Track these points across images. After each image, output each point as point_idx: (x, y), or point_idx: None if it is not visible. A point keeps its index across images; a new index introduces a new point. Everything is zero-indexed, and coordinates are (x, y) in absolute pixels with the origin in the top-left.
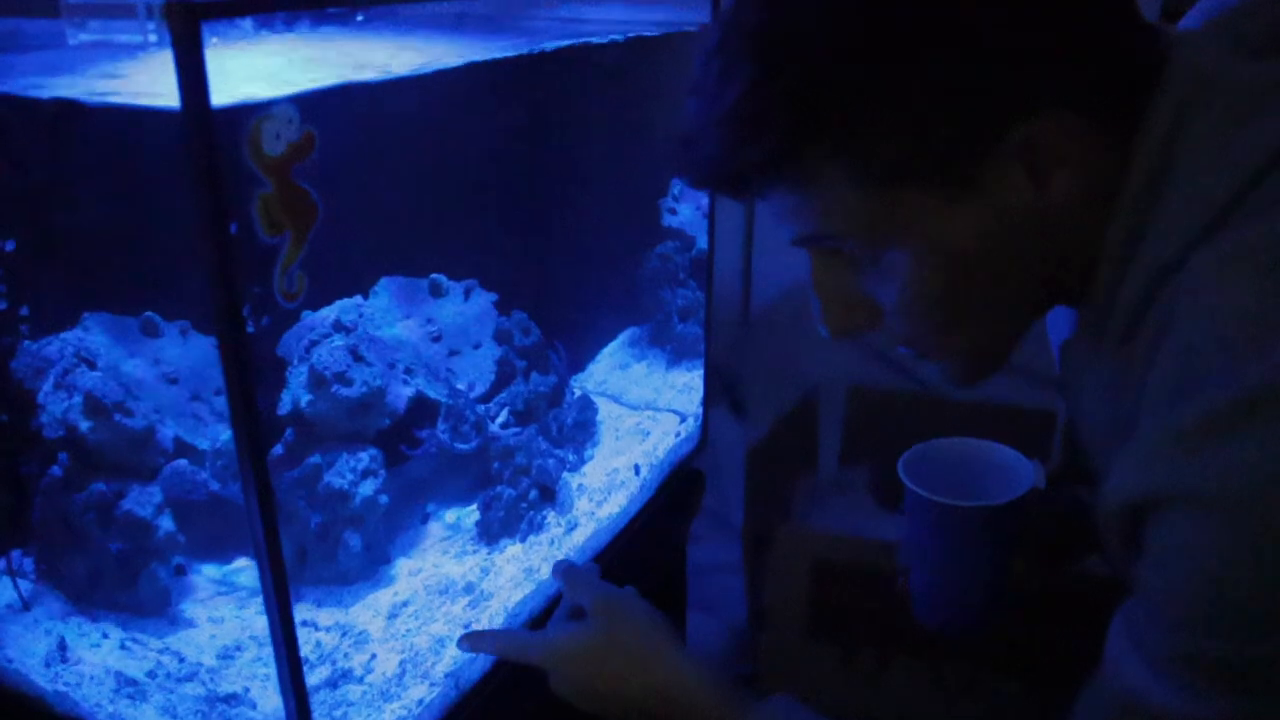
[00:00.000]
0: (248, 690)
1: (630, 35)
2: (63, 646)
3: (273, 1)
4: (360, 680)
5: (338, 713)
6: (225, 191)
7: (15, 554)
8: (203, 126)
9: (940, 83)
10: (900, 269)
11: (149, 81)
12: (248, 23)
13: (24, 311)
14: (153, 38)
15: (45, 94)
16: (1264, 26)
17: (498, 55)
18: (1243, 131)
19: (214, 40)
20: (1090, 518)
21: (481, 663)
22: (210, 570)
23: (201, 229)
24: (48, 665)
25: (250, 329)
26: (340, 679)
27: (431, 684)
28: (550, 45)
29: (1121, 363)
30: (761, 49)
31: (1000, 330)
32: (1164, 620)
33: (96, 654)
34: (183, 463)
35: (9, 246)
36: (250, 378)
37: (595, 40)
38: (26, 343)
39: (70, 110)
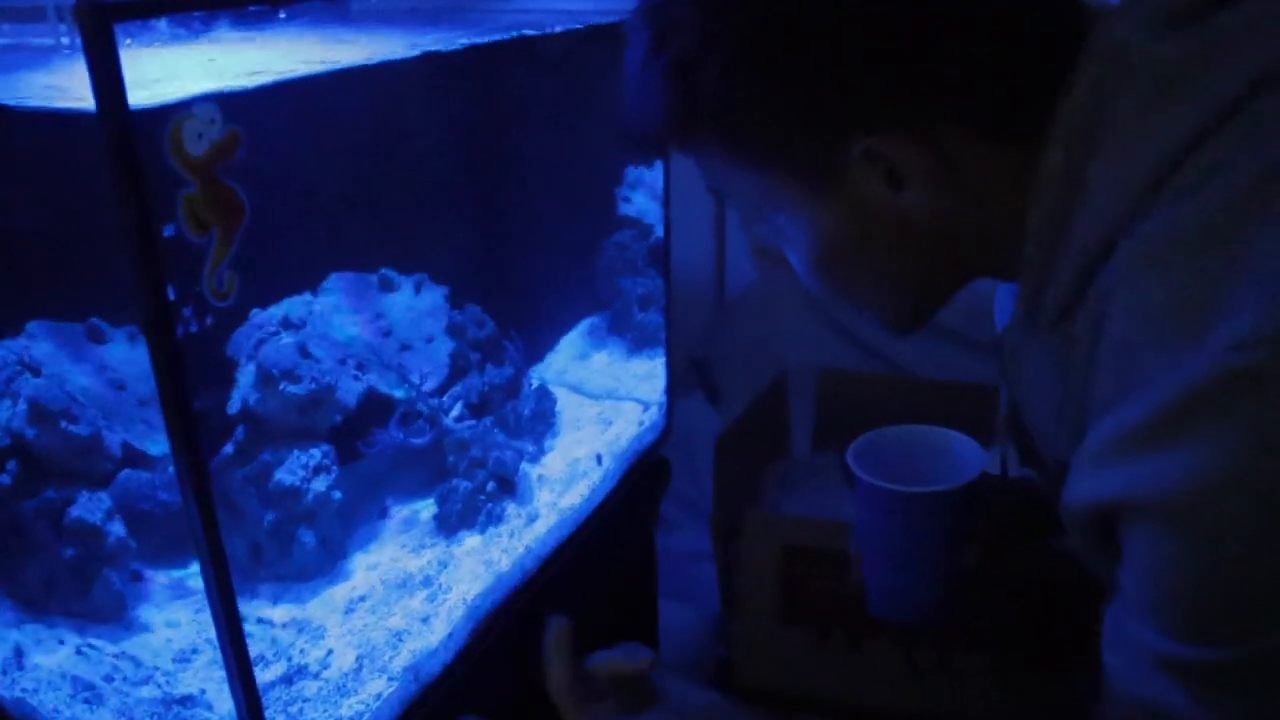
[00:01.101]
0: (204, 692)
1: (579, 25)
2: (19, 653)
3: (186, 1)
4: (316, 676)
5: (293, 709)
6: (146, 192)
7: None
8: (120, 128)
9: (793, 92)
10: (787, 235)
11: (68, 83)
12: (163, 24)
13: None
14: (65, 40)
15: None
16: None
17: (444, 47)
18: (1162, 110)
19: (128, 42)
20: (1044, 499)
21: (441, 655)
22: (166, 575)
23: (125, 231)
24: (4, 672)
25: (193, 329)
26: (296, 675)
27: (390, 678)
28: (498, 36)
29: (1060, 342)
30: (657, 27)
31: (901, 301)
32: (1147, 628)
33: (53, 659)
34: (132, 470)
35: None
36: (181, 379)
37: (545, 30)
38: None
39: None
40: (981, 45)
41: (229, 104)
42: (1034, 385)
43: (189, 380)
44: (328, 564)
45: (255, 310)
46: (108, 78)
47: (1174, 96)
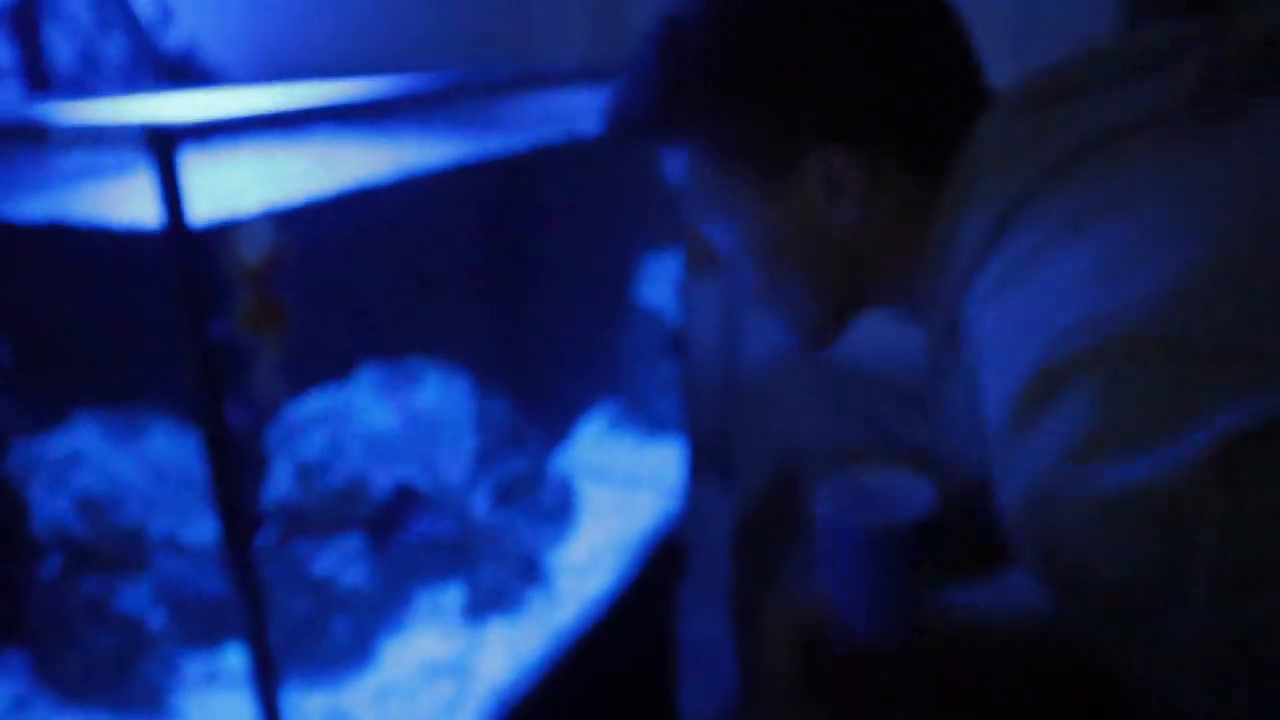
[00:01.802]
0: None
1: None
2: None
3: (244, 125)
4: None
5: None
6: (206, 302)
7: (9, 653)
8: (183, 245)
9: (768, 97)
10: (729, 235)
11: (133, 201)
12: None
13: (19, 413)
14: (134, 162)
15: (37, 216)
16: (1050, 78)
17: (473, 159)
18: (1005, 171)
19: (193, 151)
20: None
21: None
22: (200, 660)
23: (185, 337)
24: None
25: (234, 426)
26: None
27: None
28: (524, 145)
29: (965, 371)
30: (667, 30)
31: (816, 311)
32: None
33: None
34: (172, 557)
35: (6, 353)
36: (235, 476)
37: (566, 139)
38: (20, 443)
39: (60, 231)
40: (930, 89)
41: (279, 219)
42: (949, 406)
43: (240, 477)
44: (359, 652)
45: (289, 404)
46: (173, 198)
47: (1017, 161)
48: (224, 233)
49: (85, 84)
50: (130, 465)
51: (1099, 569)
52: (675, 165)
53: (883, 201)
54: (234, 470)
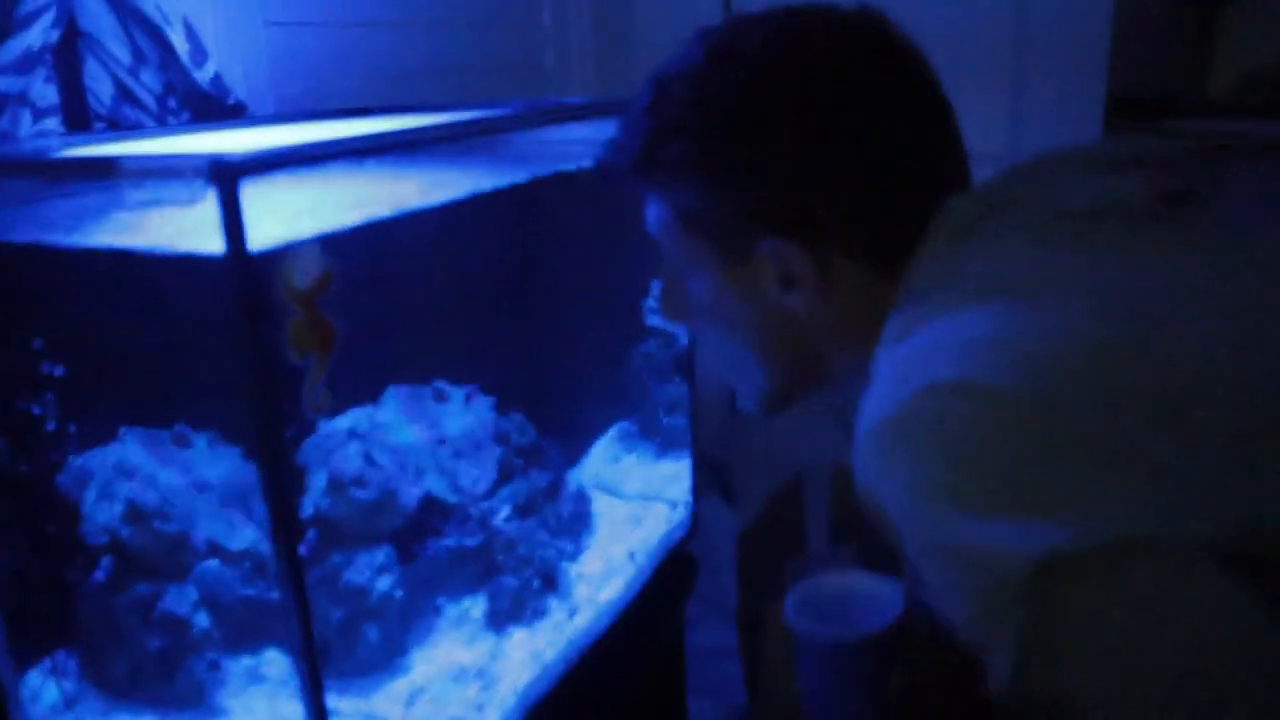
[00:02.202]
0: None
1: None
2: None
3: (301, 159)
4: None
5: None
6: (264, 323)
7: (59, 655)
8: (244, 269)
9: (719, 190)
10: (694, 293)
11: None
12: None
13: (71, 429)
14: (199, 196)
15: (102, 244)
16: (989, 192)
17: (493, 187)
18: (918, 302)
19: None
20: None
21: None
22: (240, 662)
23: (244, 356)
24: None
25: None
26: None
27: None
28: (539, 173)
29: None
30: (656, 93)
31: (769, 383)
32: None
33: None
34: (215, 563)
35: (59, 372)
36: (287, 488)
37: (579, 169)
38: (71, 457)
39: (123, 258)
40: (885, 194)
41: (327, 244)
42: None
43: (290, 486)
44: (390, 657)
45: (322, 422)
46: (235, 227)
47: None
48: (278, 258)
49: (121, 118)
50: (174, 477)
51: (946, 599)
52: (653, 213)
53: (835, 296)
54: (286, 483)
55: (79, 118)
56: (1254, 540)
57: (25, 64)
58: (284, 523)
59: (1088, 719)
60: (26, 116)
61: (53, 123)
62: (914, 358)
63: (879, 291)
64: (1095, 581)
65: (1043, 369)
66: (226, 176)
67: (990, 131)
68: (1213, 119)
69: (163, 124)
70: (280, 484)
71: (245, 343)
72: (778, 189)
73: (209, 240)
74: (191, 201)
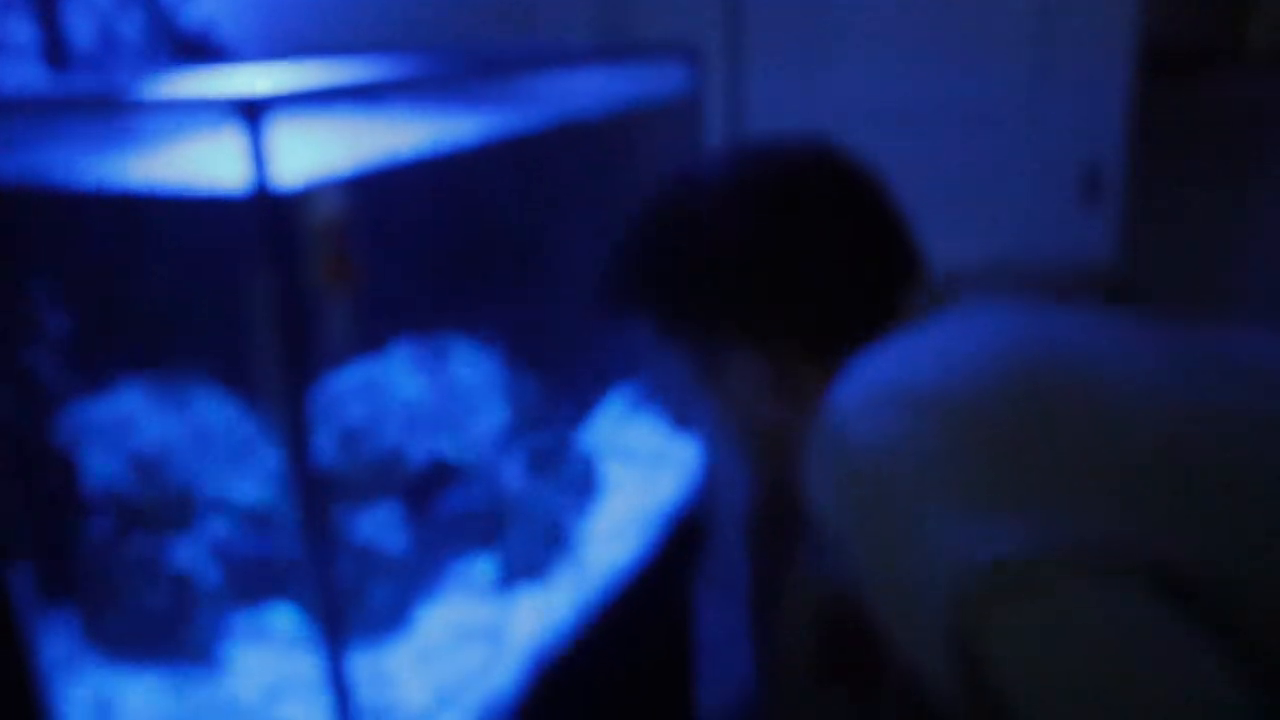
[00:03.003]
0: None
1: (620, 109)
2: (107, 698)
3: (325, 96)
4: (399, 715)
5: None
6: (291, 261)
7: (62, 612)
8: (271, 207)
9: (690, 311)
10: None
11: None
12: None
13: (71, 379)
14: (224, 130)
15: (120, 183)
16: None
17: (504, 132)
18: None
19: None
20: None
21: (508, 695)
22: (245, 617)
23: (272, 293)
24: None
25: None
26: (382, 713)
27: (463, 714)
28: (549, 120)
29: None
30: (633, 234)
31: (755, 464)
32: None
33: (143, 701)
34: (219, 518)
35: (62, 322)
36: (309, 430)
37: (592, 113)
38: (71, 408)
39: (140, 199)
40: (829, 303)
41: (349, 186)
42: None
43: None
44: (398, 617)
45: (329, 376)
46: (261, 164)
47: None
48: (303, 195)
49: (103, 62)
50: (177, 428)
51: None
52: (646, 328)
53: (799, 392)
54: (308, 425)
55: (57, 58)
56: (1175, 571)
57: None
58: (303, 470)
59: None
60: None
61: (29, 62)
62: (847, 376)
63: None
64: (1022, 594)
65: (973, 377)
66: (254, 113)
67: (1011, 90)
68: (1250, 72)
69: (146, 66)
70: (301, 422)
71: (271, 280)
72: (732, 308)
73: (232, 179)
74: (217, 139)
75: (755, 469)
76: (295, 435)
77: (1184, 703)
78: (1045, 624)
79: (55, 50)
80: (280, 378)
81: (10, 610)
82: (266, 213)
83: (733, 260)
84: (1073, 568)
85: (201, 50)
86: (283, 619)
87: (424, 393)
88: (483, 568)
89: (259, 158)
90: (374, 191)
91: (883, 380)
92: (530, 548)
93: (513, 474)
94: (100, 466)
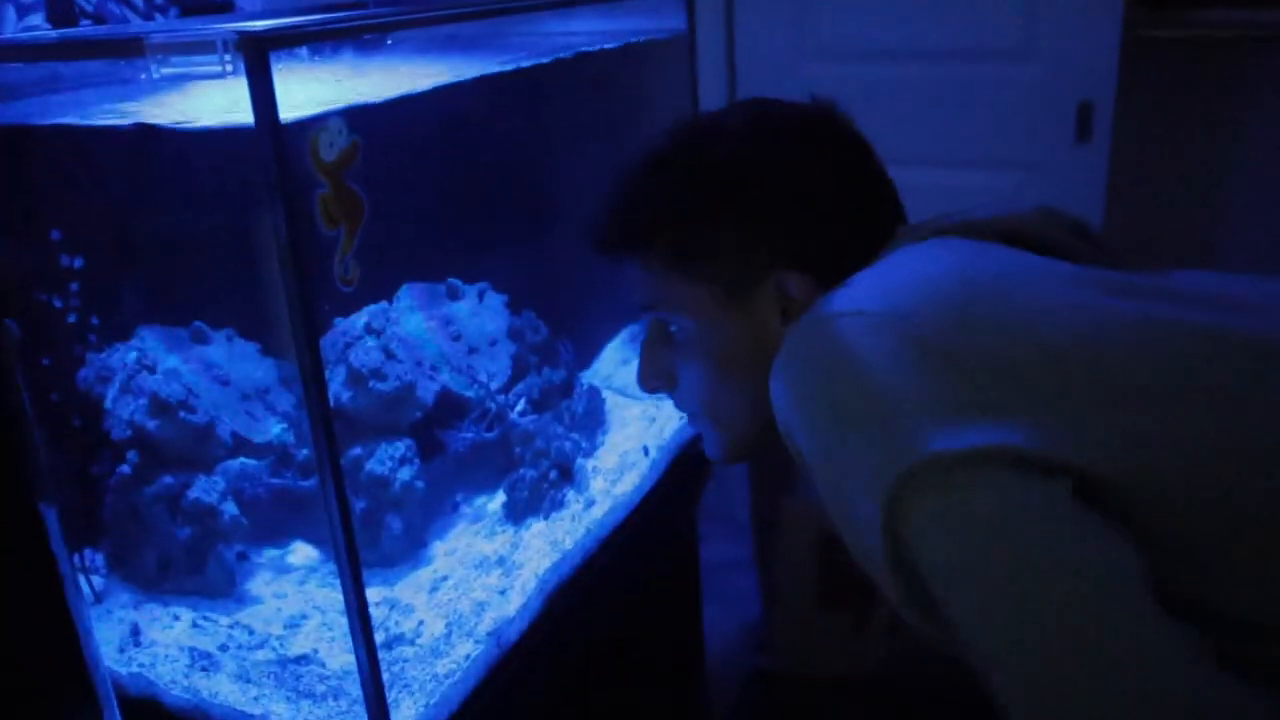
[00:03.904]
0: (316, 651)
1: (620, 43)
2: (135, 631)
3: (324, 33)
4: (412, 643)
5: (395, 668)
6: (294, 192)
7: (87, 551)
8: (275, 139)
9: (726, 236)
10: (684, 348)
11: (220, 104)
12: (303, 50)
13: (92, 323)
14: (228, 68)
15: (127, 122)
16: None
17: (502, 69)
18: None
19: (280, 67)
20: None
21: (519, 623)
22: (266, 553)
23: (277, 225)
24: (121, 650)
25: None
26: (394, 642)
27: (476, 642)
28: (548, 57)
29: None
30: (659, 153)
31: (748, 426)
32: None
33: (169, 634)
34: (241, 457)
35: (79, 264)
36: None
37: (589, 49)
38: (92, 354)
39: (148, 134)
40: (854, 221)
41: (352, 117)
42: None
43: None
44: (411, 550)
45: (338, 319)
46: (265, 97)
47: None
48: (306, 127)
49: (108, 14)
50: (194, 371)
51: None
52: (652, 277)
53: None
54: (318, 358)
55: (65, 14)
56: (1094, 474)
57: None
58: (319, 405)
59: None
60: (11, 13)
61: (37, 19)
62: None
63: None
64: (949, 490)
65: (911, 294)
66: (256, 48)
67: (1004, 27)
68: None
69: (150, 19)
70: (313, 357)
71: (279, 214)
72: (777, 223)
73: (236, 115)
74: (220, 76)
75: (745, 428)
76: (310, 373)
77: (1099, 608)
78: (966, 515)
79: (61, 7)
80: (293, 314)
81: (46, 547)
82: (273, 141)
83: (760, 186)
84: (997, 464)
85: (208, 4)
86: (304, 553)
87: (432, 334)
88: (493, 503)
89: (264, 91)
90: (379, 125)
91: (847, 298)
92: (539, 480)
93: (520, 409)
94: (121, 407)
